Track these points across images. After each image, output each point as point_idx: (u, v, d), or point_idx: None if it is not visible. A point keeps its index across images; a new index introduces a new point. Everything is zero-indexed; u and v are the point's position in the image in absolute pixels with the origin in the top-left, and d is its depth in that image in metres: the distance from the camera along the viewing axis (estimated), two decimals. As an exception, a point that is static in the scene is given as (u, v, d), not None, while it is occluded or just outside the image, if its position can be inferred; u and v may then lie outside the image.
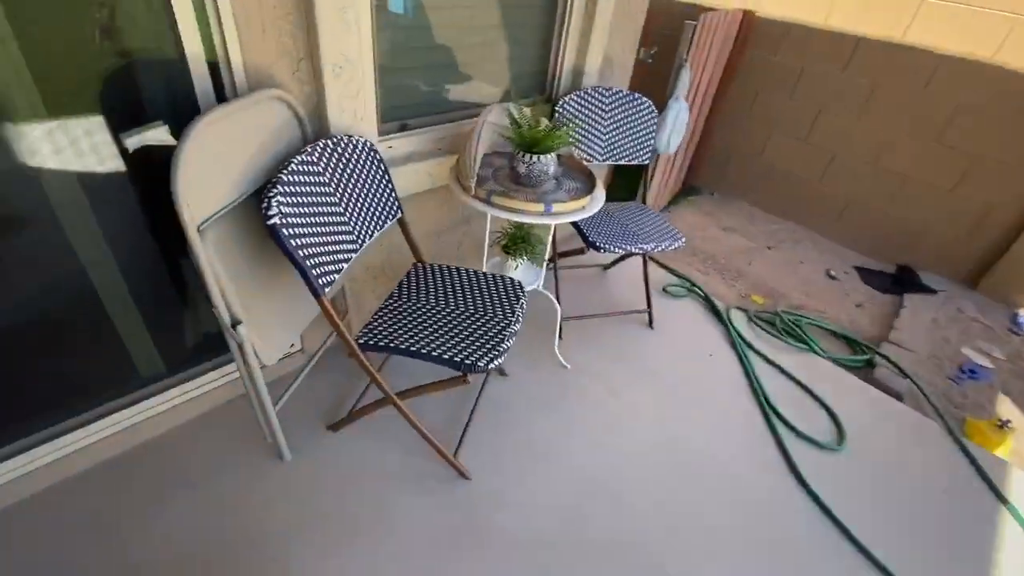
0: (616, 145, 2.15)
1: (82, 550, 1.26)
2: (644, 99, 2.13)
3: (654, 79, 3.58)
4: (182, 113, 1.16)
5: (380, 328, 1.37)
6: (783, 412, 1.88)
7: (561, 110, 1.99)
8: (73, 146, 1.10)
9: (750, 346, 2.21)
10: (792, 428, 1.83)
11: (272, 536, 1.34)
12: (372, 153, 1.44)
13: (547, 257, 1.86)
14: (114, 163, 1.17)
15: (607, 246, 1.82)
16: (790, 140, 3.45)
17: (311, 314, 1.51)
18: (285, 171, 1.15)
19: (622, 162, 2.18)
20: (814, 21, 3.13)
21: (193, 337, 1.56)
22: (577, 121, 2.04)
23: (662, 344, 2.15)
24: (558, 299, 2.10)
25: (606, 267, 2.59)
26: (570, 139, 1.61)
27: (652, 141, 2.19)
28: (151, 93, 1.16)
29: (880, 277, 3.13)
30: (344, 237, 1.33)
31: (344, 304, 1.74)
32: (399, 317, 1.42)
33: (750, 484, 1.62)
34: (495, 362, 1.28)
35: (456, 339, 1.35)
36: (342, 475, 1.49)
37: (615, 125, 2.13)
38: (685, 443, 1.72)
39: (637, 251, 1.86)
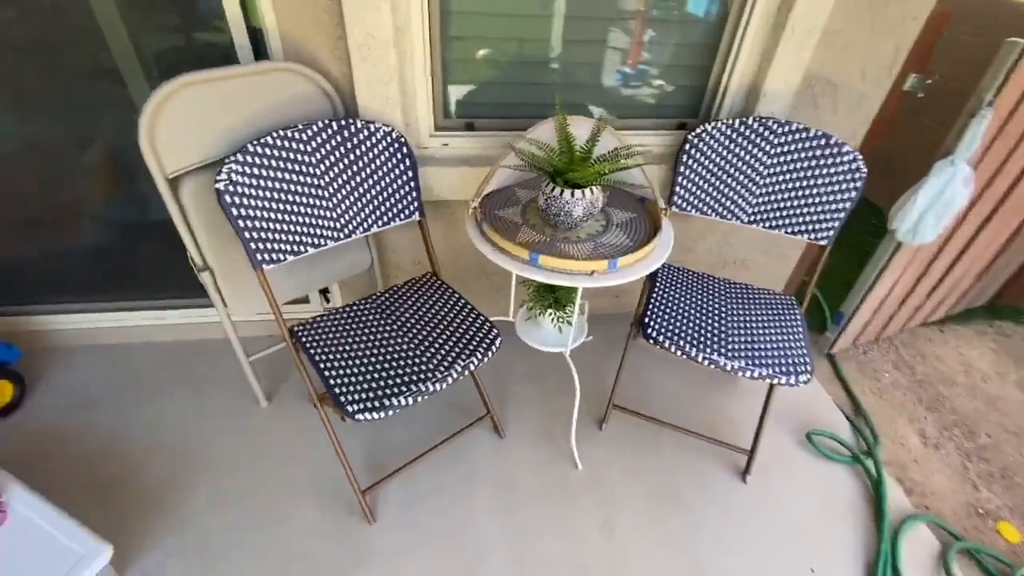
0: (778, 205, 1.46)
1: (94, 392, 1.62)
2: (847, 149, 1.36)
3: (919, 125, 2.28)
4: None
5: (319, 325, 1.29)
6: None
7: (695, 140, 1.44)
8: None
9: (904, 599, 1.26)
10: None
11: (203, 463, 1.45)
12: (396, 145, 1.32)
13: (577, 318, 1.42)
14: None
15: (662, 339, 1.27)
16: None
17: (317, 283, 1.51)
18: (257, 142, 1.15)
19: (782, 231, 1.48)
20: None
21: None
22: (715, 159, 1.45)
23: (741, 513, 1.42)
24: (616, 379, 1.62)
25: (741, 367, 1.85)
26: (613, 181, 1.14)
27: (844, 212, 1.41)
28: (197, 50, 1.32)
29: None
30: (321, 223, 1.27)
31: (375, 281, 1.71)
32: (348, 321, 1.31)
33: None
34: (367, 415, 1.05)
35: (365, 369, 1.16)
36: (278, 448, 1.50)
37: (782, 176, 1.44)
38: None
39: (706, 363, 1.24)
